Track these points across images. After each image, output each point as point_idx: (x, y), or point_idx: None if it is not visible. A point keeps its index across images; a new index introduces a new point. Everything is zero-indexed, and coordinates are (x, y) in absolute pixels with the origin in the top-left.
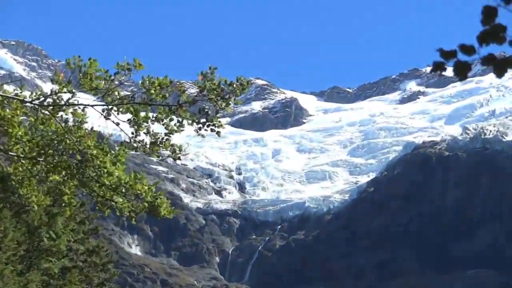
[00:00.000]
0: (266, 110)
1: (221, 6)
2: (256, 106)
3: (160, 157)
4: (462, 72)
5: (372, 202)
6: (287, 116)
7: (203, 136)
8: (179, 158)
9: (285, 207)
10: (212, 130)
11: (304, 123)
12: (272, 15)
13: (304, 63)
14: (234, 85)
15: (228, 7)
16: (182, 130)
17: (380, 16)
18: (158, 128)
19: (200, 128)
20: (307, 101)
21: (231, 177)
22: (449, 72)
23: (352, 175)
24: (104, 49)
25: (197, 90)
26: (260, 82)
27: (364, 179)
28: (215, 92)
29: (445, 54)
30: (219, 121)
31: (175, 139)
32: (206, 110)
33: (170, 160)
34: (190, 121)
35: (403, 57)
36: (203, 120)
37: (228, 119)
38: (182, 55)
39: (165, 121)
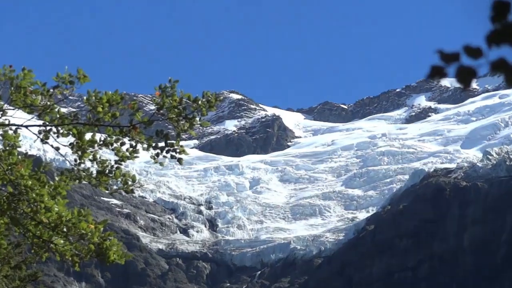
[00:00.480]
0: (243, 131)
1: (189, 8)
2: (230, 126)
3: (109, 190)
4: (465, 79)
5: (372, 243)
6: (268, 138)
7: (161, 164)
8: (131, 191)
9: (266, 249)
10: (172, 157)
11: (288, 146)
12: (250, 19)
13: (290, 74)
14: (200, 102)
15: (198, 9)
16: (135, 157)
17: (382, 19)
18: (107, 154)
19: (158, 154)
20: (293, 120)
21: (200, 212)
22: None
23: (348, 210)
24: (42, 59)
25: (155, 108)
26: (235, 96)
27: (362, 215)
28: (175, 110)
29: (445, 56)
30: (181, 146)
31: (130, 166)
32: (165, 132)
33: (124, 193)
34: (145, 146)
35: (410, 67)
36: (161, 144)
37: (195, 142)
38: (138, 65)
39: (115, 145)
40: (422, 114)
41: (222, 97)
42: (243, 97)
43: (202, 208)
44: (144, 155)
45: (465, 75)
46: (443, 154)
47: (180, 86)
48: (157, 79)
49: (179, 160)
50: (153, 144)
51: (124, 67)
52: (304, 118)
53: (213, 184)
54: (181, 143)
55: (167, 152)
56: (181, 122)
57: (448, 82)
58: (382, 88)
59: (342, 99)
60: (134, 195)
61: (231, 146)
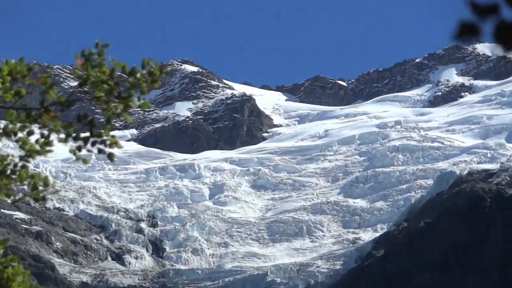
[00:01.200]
0: (200, 117)
1: None
2: (183, 110)
3: (12, 198)
4: (507, 40)
5: (381, 275)
6: (236, 127)
7: (84, 161)
8: (43, 200)
9: (233, 282)
10: (100, 151)
11: (264, 139)
12: None
13: (265, 39)
14: (139, 75)
15: None
16: (48, 152)
17: None
18: (8, 148)
19: (80, 148)
20: (271, 102)
21: (140, 231)
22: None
23: (348, 229)
24: None
25: (76, 83)
26: (189, 68)
27: (368, 236)
28: (104, 86)
29: (479, 9)
30: (113, 137)
31: (42, 165)
32: (90, 117)
33: (34, 201)
34: (63, 136)
35: (434, 28)
36: (84, 134)
37: (133, 132)
38: (53, 23)
39: (20, 135)
40: (452, 94)
41: (170, 68)
42: (200, 70)
43: (143, 225)
44: (62, 150)
45: (507, 34)
46: (481, 150)
47: (112, 53)
48: (79, 45)
49: (110, 157)
50: (74, 134)
51: (34, 28)
52: (286, 100)
53: (158, 191)
54: (113, 132)
55: (93, 144)
56: (113, 103)
57: (488, 48)
58: (395, 57)
59: (340, 73)
60: (47, 205)
61: (184, 138)
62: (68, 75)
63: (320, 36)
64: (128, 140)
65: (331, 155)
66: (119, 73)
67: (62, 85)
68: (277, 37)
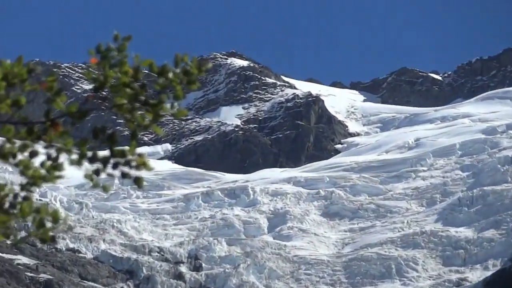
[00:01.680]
0: (254, 126)
1: None
2: (230, 117)
3: (12, 238)
4: None
5: None
6: (301, 137)
7: (104, 188)
8: (52, 239)
9: None
10: (124, 175)
11: (337, 152)
12: None
13: (334, 23)
14: (171, 74)
15: None
16: (58, 177)
17: None
18: (6, 172)
19: (98, 172)
20: (344, 104)
21: (179, 276)
22: None
23: (450, 267)
24: None
25: (91, 87)
26: (237, 63)
27: (475, 275)
28: (127, 91)
29: None
30: (140, 155)
31: (50, 194)
32: (109, 131)
33: (40, 242)
34: (75, 157)
35: None
36: (103, 153)
37: (167, 147)
38: (69, 14)
39: (20, 157)
40: None
41: (212, 64)
42: (252, 64)
43: (183, 268)
44: (75, 174)
45: None
46: None
47: (135, 48)
48: (94, 39)
49: (137, 182)
50: (89, 154)
51: (36, 19)
52: (364, 100)
53: (202, 224)
54: (140, 149)
55: (115, 167)
56: (139, 112)
57: None
58: (504, 41)
59: (432, 64)
60: (58, 246)
61: (233, 154)
62: (80, 76)
63: (404, 18)
64: (161, 159)
65: (424, 171)
66: (145, 73)
67: (73, 89)
68: (349, 20)
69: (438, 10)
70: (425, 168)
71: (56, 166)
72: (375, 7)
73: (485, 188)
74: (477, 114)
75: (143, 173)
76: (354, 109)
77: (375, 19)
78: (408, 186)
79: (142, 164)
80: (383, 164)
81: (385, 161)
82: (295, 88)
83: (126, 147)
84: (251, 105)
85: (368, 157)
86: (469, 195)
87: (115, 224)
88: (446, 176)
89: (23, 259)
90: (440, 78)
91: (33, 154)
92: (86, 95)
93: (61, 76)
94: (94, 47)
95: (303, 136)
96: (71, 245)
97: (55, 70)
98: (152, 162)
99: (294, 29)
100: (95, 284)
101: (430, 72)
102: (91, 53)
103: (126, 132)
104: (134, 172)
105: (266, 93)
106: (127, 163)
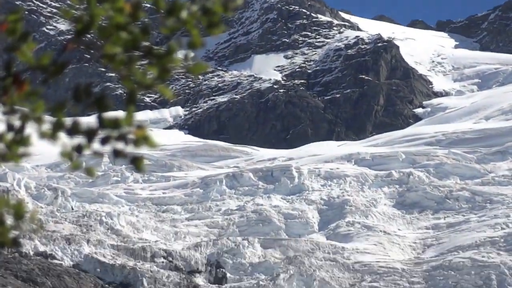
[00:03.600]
0: (300, 83)
1: None
2: (267, 70)
3: None
4: None
5: None
6: (366, 98)
7: (89, 171)
8: (15, 243)
9: None
10: (117, 154)
11: (418, 119)
12: None
13: None
14: (185, 13)
15: None
16: (24, 156)
17: None
18: None
19: (80, 148)
20: (427, 51)
21: None
22: None
23: None
24: None
25: (70, 30)
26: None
27: None
28: (123, 35)
29: None
30: (138, 126)
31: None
32: (98, 91)
33: None
34: (48, 127)
35: None
36: (89, 121)
37: (179, 113)
38: None
39: None
40: None
41: None
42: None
43: (200, 279)
44: (48, 151)
45: None
46: None
47: None
48: None
49: (136, 163)
50: (68, 123)
51: None
52: (456, 46)
53: (226, 218)
54: (140, 115)
55: (104, 142)
56: (137, 65)
57: None
58: None
59: None
60: (23, 250)
61: (271, 121)
62: (55, 12)
63: None
64: (169, 128)
65: None
66: (149, 10)
67: (44, 29)
68: None
69: None
70: None
71: (20, 139)
72: None
73: None
74: None
75: (143, 151)
76: (442, 58)
77: None
78: None
79: (143, 139)
80: (481, 135)
81: (484, 132)
82: (358, 29)
83: (121, 113)
84: (296, 53)
85: (460, 126)
86: None
87: (103, 218)
88: None
89: None
90: None
91: None
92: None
93: (27, 13)
94: None
95: (370, 96)
96: (42, 249)
97: (19, 3)
98: (157, 134)
99: None
100: None
101: None
102: None
103: (120, 91)
104: (131, 149)
105: (318, 36)
106: (122, 137)
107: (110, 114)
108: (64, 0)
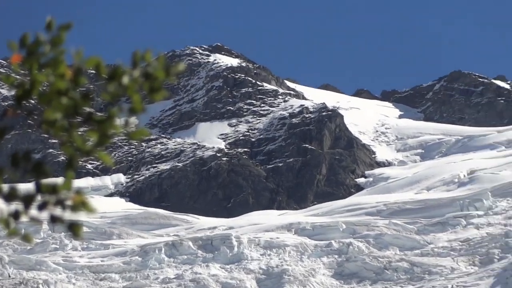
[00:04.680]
0: (243, 151)
1: None
2: (210, 138)
3: None
4: None
5: None
6: (309, 168)
7: (26, 238)
8: None
9: None
10: (55, 220)
11: (360, 189)
12: None
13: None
14: (126, 79)
15: None
16: None
17: None
18: None
19: (17, 214)
20: (371, 121)
21: None
22: None
23: None
24: None
25: (11, 95)
26: (225, 61)
27: None
28: (63, 101)
29: None
30: (77, 192)
31: None
32: (37, 157)
33: None
34: None
35: None
36: (27, 187)
37: (120, 181)
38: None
39: None
40: None
41: (186, 64)
42: (244, 64)
43: None
44: None
45: None
46: None
47: (75, 39)
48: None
49: (73, 229)
50: (5, 189)
51: None
52: (400, 116)
53: (164, 287)
54: (80, 182)
55: (42, 208)
56: (78, 131)
57: None
58: None
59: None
60: None
61: (212, 189)
62: None
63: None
64: (110, 195)
65: (480, 216)
66: (90, 76)
67: None
68: (378, 4)
69: None
70: (480, 213)
71: None
72: None
73: None
74: None
75: (82, 217)
76: (386, 128)
77: (415, 3)
78: (456, 237)
79: (81, 204)
80: (422, 206)
81: (425, 202)
82: (303, 98)
83: (60, 179)
84: (240, 121)
85: (401, 196)
86: None
87: (40, 286)
88: (509, 224)
89: None
90: (507, 86)
91: None
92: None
93: None
94: (17, 38)
95: (312, 165)
96: None
97: None
98: (98, 202)
99: (303, 16)
100: None
101: (494, 78)
102: (13, 47)
103: (62, 158)
104: (69, 216)
105: (263, 104)
106: (60, 203)
107: (50, 180)
108: (7, 66)
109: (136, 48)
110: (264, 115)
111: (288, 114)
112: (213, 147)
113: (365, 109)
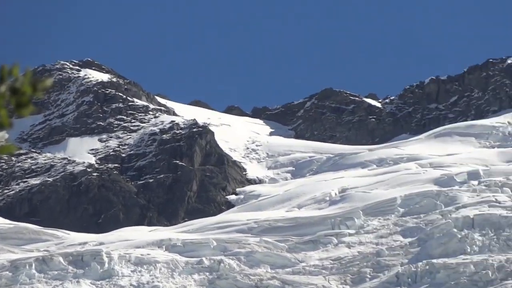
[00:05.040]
0: (114, 167)
1: None
2: (81, 153)
3: None
4: None
5: None
6: (179, 184)
7: None
8: None
9: None
10: None
11: (231, 206)
12: None
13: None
14: None
15: None
16: None
17: None
18: None
19: None
20: (242, 138)
21: None
22: None
23: None
24: None
25: None
26: (95, 76)
27: None
28: None
29: None
30: None
31: None
32: None
33: None
34: None
35: None
36: None
37: None
38: None
39: None
40: None
41: (54, 79)
42: (115, 79)
43: None
44: None
45: None
46: None
47: None
48: None
49: None
50: None
51: None
52: (271, 133)
53: None
54: None
55: None
56: None
57: None
58: (470, 56)
59: (369, 86)
60: None
61: (82, 204)
62: None
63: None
64: None
65: (351, 234)
66: None
67: None
68: (250, 18)
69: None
70: (352, 231)
71: None
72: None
73: (434, 261)
74: (428, 157)
75: None
76: (257, 145)
77: (282, 21)
78: (328, 255)
79: None
80: (293, 224)
81: (296, 220)
82: (174, 114)
83: None
84: (111, 137)
85: (272, 214)
86: (412, 270)
87: None
88: (380, 243)
89: None
90: (379, 105)
91: None
92: None
93: None
94: None
95: (183, 182)
96: None
97: None
98: None
99: (172, 32)
100: None
101: (366, 97)
102: None
103: None
104: None
105: (134, 120)
106: None
107: None
108: None
109: (5, 63)
110: (135, 131)
111: (158, 130)
112: (84, 162)
113: (236, 126)
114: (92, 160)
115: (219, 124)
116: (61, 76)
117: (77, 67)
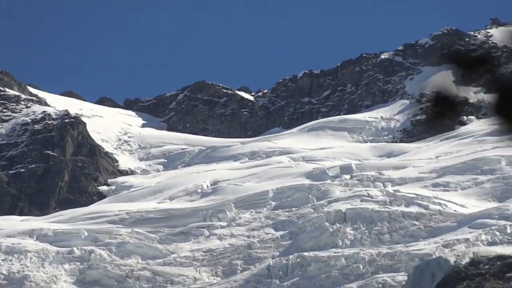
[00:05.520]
0: None
1: None
2: None
3: None
4: None
5: None
6: (50, 174)
7: None
8: None
9: None
10: None
11: (102, 197)
12: None
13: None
14: None
15: None
16: None
17: None
18: None
19: None
20: (114, 129)
21: None
22: None
23: None
24: None
25: None
26: None
27: None
28: None
29: None
30: None
31: None
32: None
33: None
34: None
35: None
36: None
37: None
38: None
39: None
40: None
41: None
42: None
43: None
44: None
45: None
46: (495, 222)
47: None
48: None
49: None
50: None
51: None
52: (143, 125)
53: None
54: None
55: None
56: None
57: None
58: (344, 51)
59: (242, 79)
60: None
61: None
62: None
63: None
64: None
65: (222, 227)
66: None
67: None
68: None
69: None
70: (223, 224)
71: None
72: None
73: (305, 254)
74: (301, 150)
75: None
76: (128, 137)
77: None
78: (199, 247)
79: None
80: (164, 215)
81: (167, 212)
82: (46, 104)
83: None
84: None
85: (144, 205)
86: (283, 263)
87: None
88: (252, 236)
89: None
90: (251, 98)
91: None
92: None
93: None
94: None
95: (55, 172)
96: None
97: None
98: None
99: (50, 19)
100: None
101: (238, 90)
102: None
103: None
104: None
105: (5, 110)
106: None
107: None
108: None
109: None
110: (6, 121)
111: (30, 120)
112: None
113: (108, 117)
114: None
115: (91, 115)
116: None
117: None
